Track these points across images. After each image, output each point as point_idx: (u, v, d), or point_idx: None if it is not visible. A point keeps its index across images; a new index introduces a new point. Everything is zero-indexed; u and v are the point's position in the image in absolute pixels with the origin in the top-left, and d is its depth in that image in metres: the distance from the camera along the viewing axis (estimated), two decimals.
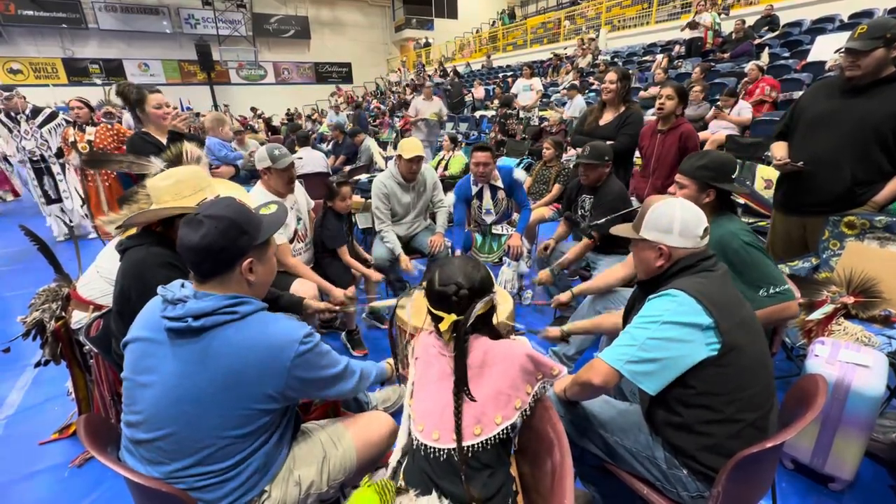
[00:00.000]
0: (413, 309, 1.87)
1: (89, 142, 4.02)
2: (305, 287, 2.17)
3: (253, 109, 14.96)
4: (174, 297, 0.99)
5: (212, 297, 1.00)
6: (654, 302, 1.15)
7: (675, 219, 1.20)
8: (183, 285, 1.04)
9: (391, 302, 2.25)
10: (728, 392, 1.09)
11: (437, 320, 1.12)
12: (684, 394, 1.12)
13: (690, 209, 1.23)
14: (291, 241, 2.44)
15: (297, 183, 2.52)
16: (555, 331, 1.79)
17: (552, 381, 1.15)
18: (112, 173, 3.94)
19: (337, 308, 2.08)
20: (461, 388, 1.05)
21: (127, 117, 6.21)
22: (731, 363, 1.08)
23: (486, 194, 3.11)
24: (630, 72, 3.89)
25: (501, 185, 3.08)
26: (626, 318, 1.39)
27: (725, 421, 1.09)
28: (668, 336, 1.08)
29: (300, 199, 2.57)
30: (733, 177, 1.64)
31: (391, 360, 1.51)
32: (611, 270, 2.12)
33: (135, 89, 2.58)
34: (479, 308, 1.08)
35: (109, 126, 4.14)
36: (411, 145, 2.85)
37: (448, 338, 1.12)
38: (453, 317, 1.08)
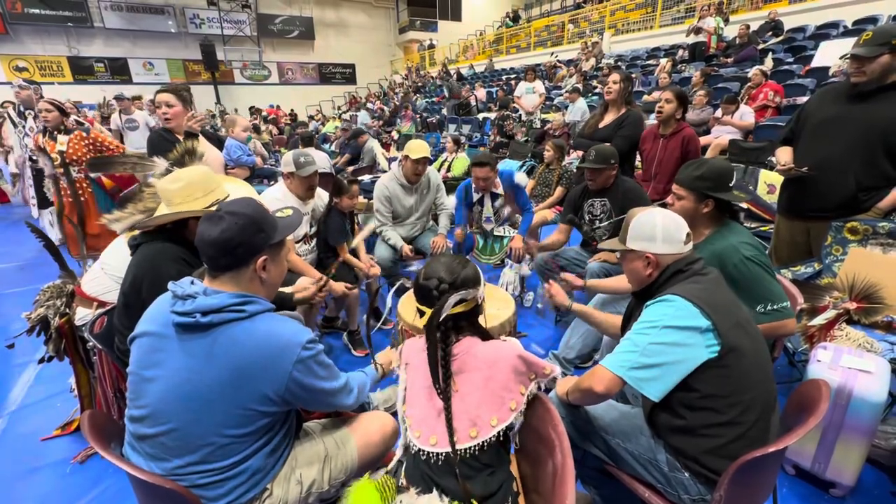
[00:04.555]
0: (412, 308, 1.87)
1: (61, 152, 3.47)
2: (305, 283, 2.19)
3: (258, 110, 14.81)
4: (184, 293, 1.00)
5: (221, 294, 1.02)
6: (652, 308, 1.17)
7: (657, 226, 1.25)
8: (193, 282, 1.05)
9: (367, 231, 2.52)
10: (730, 394, 1.09)
11: (422, 315, 1.13)
12: (687, 397, 1.12)
13: (670, 216, 1.27)
14: (298, 243, 2.52)
15: (319, 189, 2.58)
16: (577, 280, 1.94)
17: (545, 381, 1.15)
18: (88, 186, 3.63)
19: (323, 294, 2.02)
20: (435, 380, 1.06)
21: (115, 117, 6.11)
22: (731, 364, 1.09)
23: (487, 202, 3.11)
24: (633, 75, 3.89)
25: (501, 192, 3.08)
26: (624, 329, 1.40)
27: (729, 423, 1.09)
28: (669, 340, 1.09)
29: (319, 205, 2.63)
30: (731, 184, 1.62)
31: (378, 361, 1.51)
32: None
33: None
34: (453, 301, 1.06)
35: (85, 134, 3.65)
36: (419, 146, 2.87)
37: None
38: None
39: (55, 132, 3.52)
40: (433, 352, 1.07)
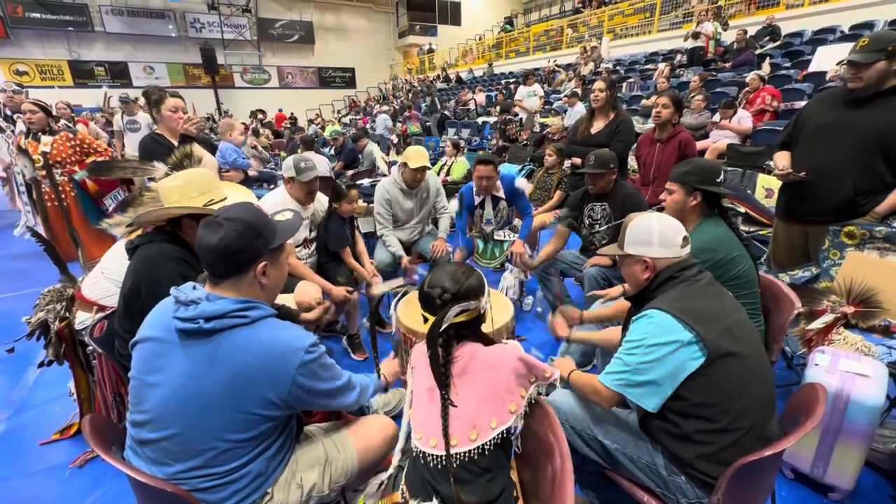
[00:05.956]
0: (410, 312, 1.89)
1: (44, 153, 3.37)
2: (309, 290, 2.19)
3: (256, 113, 14.65)
4: (187, 299, 1.01)
5: (224, 299, 1.02)
6: (636, 325, 1.19)
7: (653, 231, 1.26)
8: (195, 287, 1.05)
9: (394, 283, 2.33)
10: (721, 401, 1.09)
11: (426, 322, 1.14)
12: (678, 405, 1.13)
13: (667, 220, 1.29)
14: (298, 247, 2.52)
15: (319, 193, 2.58)
16: (574, 312, 1.84)
17: (546, 384, 1.16)
18: (72, 190, 3.55)
19: (329, 316, 2.02)
20: (441, 390, 1.06)
21: (117, 119, 6.09)
22: (717, 372, 1.09)
23: (488, 206, 3.12)
24: (632, 78, 3.90)
25: (503, 196, 3.09)
26: (624, 331, 1.41)
27: (722, 430, 1.10)
28: (655, 357, 1.11)
29: (319, 210, 2.63)
30: (718, 180, 1.71)
31: (383, 370, 1.52)
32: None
33: (157, 90, 2.60)
34: (454, 312, 1.06)
35: (71, 136, 3.54)
36: (417, 154, 2.87)
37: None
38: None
39: (39, 133, 3.40)
40: (435, 360, 1.07)
